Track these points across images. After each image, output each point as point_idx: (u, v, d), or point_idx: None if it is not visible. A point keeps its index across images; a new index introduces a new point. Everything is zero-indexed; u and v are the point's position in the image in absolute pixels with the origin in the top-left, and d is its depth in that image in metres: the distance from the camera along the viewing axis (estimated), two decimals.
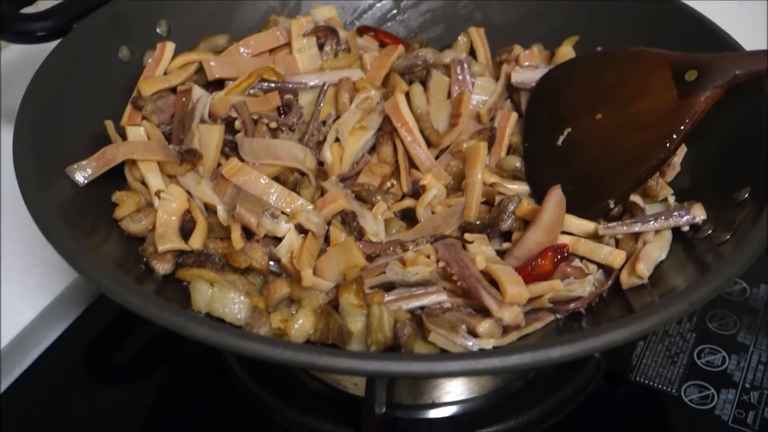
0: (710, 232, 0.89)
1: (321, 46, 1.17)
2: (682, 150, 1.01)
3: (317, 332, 0.83)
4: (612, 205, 0.95)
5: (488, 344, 0.80)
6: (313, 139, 1.04)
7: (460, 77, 1.12)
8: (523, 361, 0.67)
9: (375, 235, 0.94)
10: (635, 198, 0.96)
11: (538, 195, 0.97)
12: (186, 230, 0.92)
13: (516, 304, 0.83)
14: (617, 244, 0.93)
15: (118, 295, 0.73)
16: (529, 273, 0.88)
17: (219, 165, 1.00)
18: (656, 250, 0.89)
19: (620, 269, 0.90)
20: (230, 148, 1.02)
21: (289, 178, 1.00)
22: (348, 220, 0.94)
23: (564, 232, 0.92)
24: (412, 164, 1.05)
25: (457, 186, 1.03)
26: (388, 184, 1.04)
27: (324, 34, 1.17)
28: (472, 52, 1.21)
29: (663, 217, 0.91)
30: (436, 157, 1.06)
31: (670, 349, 1.04)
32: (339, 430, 0.96)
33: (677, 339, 1.06)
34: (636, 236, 0.92)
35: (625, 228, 0.92)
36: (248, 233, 0.93)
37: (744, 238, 0.81)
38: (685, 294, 0.74)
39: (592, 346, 0.69)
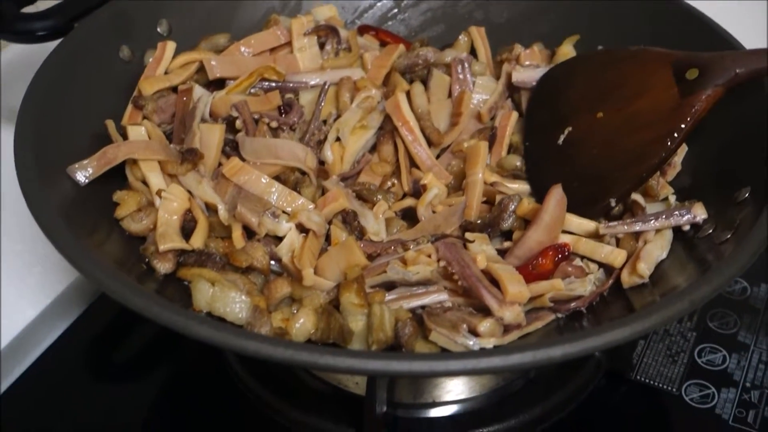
0: (711, 231, 0.89)
1: (322, 46, 1.17)
2: (683, 149, 1.01)
3: (318, 331, 0.83)
4: (613, 204, 0.94)
5: (489, 343, 0.80)
6: (314, 138, 1.04)
7: (461, 76, 1.12)
8: (524, 360, 0.67)
9: (376, 234, 0.94)
10: (636, 197, 0.95)
11: (539, 194, 0.97)
12: (187, 230, 0.92)
13: (517, 303, 0.83)
14: (618, 243, 0.93)
15: (119, 294, 0.73)
16: (529, 272, 0.88)
17: (220, 164, 1.00)
18: (657, 249, 0.89)
19: (621, 268, 0.90)
20: (231, 148, 1.02)
21: (290, 178, 0.99)
22: (349, 219, 0.94)
23: (565, 231, 0.93)
24: (413, 163, 1.05)
25: (458, 185, 1.03)
26: (389, 183, 1.04)
27: (325, 33, 1.17)
28: (473, 52, 1.21)
29: (664, 216, 0.91)
30: (437, 157, 1.06)
31: (671, 348, 1.04)
32: (340, 429, 0.96)
33: (678, 338, 1.06)
34: (637, 235, 0.92)
35: (625, 227, 0.92)
36: (249, 232, 0.92)
37: (744, 237, 0.81)
38: (685, 293, 0.74)
39: (593, 345, 0.69)
